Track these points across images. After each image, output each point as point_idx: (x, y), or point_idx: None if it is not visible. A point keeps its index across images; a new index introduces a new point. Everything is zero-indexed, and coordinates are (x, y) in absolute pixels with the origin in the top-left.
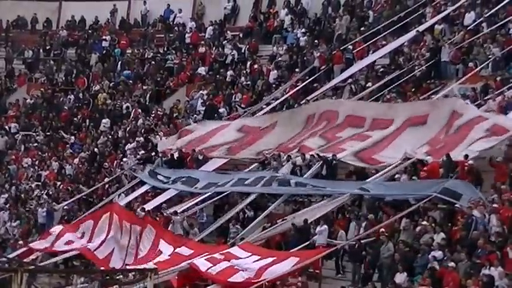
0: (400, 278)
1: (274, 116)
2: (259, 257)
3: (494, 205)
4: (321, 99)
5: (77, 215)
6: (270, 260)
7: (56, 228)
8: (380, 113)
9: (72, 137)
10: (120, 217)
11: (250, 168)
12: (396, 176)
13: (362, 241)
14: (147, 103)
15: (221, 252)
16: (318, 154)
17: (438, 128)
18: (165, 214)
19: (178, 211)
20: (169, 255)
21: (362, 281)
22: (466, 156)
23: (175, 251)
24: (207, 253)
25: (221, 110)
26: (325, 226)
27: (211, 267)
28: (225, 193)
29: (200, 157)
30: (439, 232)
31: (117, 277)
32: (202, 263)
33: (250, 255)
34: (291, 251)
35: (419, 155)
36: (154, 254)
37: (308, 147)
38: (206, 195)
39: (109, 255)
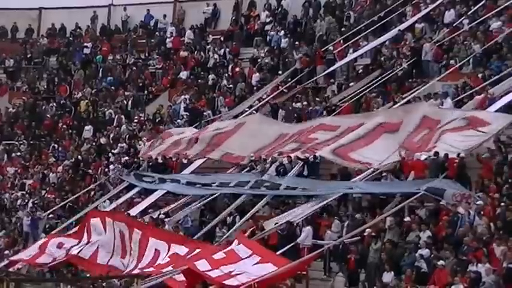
0: (388, 277)
1: (244, 118)
2: (259, 258)
3: (480, 202)
4: (296, 123)
5: (62, 222)
6: (269, 266)
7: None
8: (354, 123)
9: (55, 145)
10: (101, 218)
11: (231, 171)
12: (383, 174)
13: (347, 242)
14: (129, 109)
15: (224, 251)
16: (297, 157)
17: (410, 131)
18: (153, 217)
19: (167, 219)
20: (168, 257)
21: (349, 281)
22: (458, 154)
23: (172, 249)
24: (199, 249)
25: (205, 114)
26: (309, 227)
27: (210, 270)
28: (213, 196)
29: (185, 161)
30: (425, 230)
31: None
32: (202, 264)
33: (251, 254)
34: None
35: (396, 157)
36: (151, 257)
37: (285, 152)
38: (191, 200)
39: (94, 253)
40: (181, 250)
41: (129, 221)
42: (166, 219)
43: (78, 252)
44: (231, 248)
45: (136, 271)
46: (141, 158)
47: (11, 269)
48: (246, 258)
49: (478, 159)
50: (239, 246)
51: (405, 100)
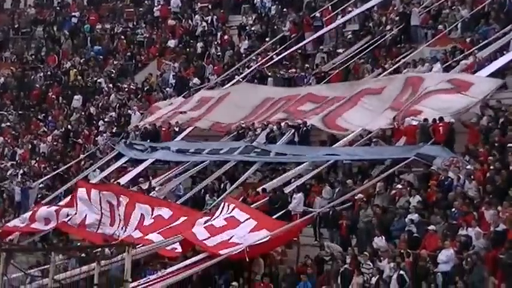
0: (378, 242)
1: (228, 88)
2: (255, 224)
3: (469, 167)
4: (282, 87)
5: (53, 192)
6: (263, 233)
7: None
8: (340, 93)
9: (45, 115)
10: (88, 189)
11: (222, 140)
12: (373, 140)
13: (338, 207)
14: (118, 78)
15: (225, 217)
16: (288, 124)
17: (395, 94)
18: (143, 188)
19: (156, 187)
20: (152, 218)
21: (340, 246)
22: (441, 118)
23: (155, 212)
24: (185, 217)
25: (194, 81)
26: (301, 194)
27: (209, 237)
28: (204, 164)
29: (176, 129)
30: (414, 195)
31: (96, 253)
32: (200, 232)
33: (248, 218)
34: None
35: (383, 123)
36: (136, 220)
37: (273, 122)
38: (182, 168)
39: (82, 221)
40: (165, 212)
41: (116, 189)
42: (157, 189)
43: (68, 221)
44: (231, 215)
45: (124, 236)
46: (130, 129)
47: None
48: (244, 221)
49: (464, 124)
50: (236, 212)
51: (395, 66)
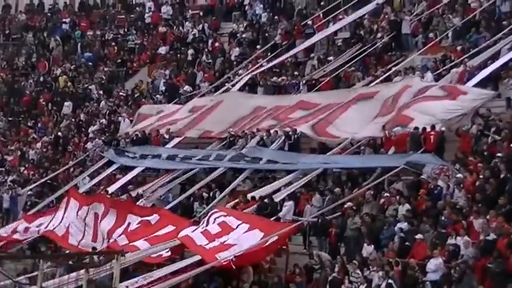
0: (367, 250)
1: (221, 96)
2: (248, 226)
3: (459, 175)
4: (274, 96)
5: (42, 199)
6: (256, 233)
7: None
8: (332, 100)
9: (34, 121)
10: (80, 202)
11: (212, 147)
12: (361, 148)
13: (328, 216)
14: (109, 85)
15: (218, 222)
16: (277, 131)
17: (384, 99)
18: (132, 195)
19: (145, 194)
20: (138, 224)
21: (329, 255)
22: (433, 127)
23: (142, 217)
24: (174, 226)
25: (185, 88)
26: (291, 202)
27: (207, 244)
28: (193, 171)
29: (166, 136)
30: (403, 204)
31: (84, 260)
32: (198, 237)
33: (241, 223)
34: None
35: (373, 131)
36: (122, 228)
37: (263, 129)
38: (171, 176)
39: (66, 232)
40: (152, 218)
41: (106, 201)
42: (145, 196)
43: (54, 228)
44: (223, 220)
45: (110, 242)
46: (119, 136)
47: None
48: (237, 227)
49: (457, 133)
50: (230, 218)
51: (386, 75)
